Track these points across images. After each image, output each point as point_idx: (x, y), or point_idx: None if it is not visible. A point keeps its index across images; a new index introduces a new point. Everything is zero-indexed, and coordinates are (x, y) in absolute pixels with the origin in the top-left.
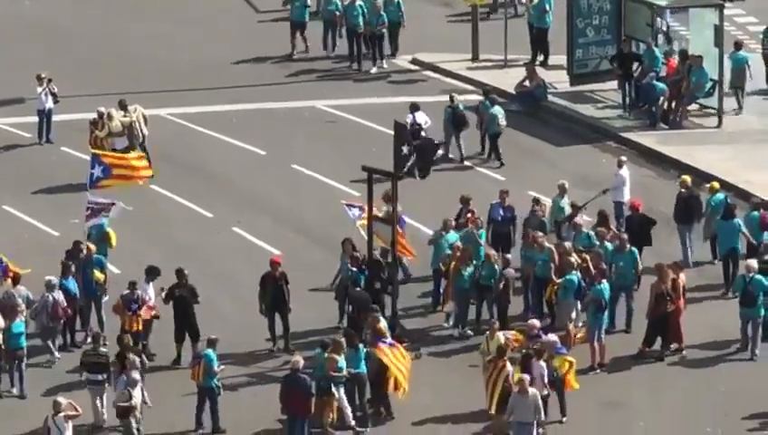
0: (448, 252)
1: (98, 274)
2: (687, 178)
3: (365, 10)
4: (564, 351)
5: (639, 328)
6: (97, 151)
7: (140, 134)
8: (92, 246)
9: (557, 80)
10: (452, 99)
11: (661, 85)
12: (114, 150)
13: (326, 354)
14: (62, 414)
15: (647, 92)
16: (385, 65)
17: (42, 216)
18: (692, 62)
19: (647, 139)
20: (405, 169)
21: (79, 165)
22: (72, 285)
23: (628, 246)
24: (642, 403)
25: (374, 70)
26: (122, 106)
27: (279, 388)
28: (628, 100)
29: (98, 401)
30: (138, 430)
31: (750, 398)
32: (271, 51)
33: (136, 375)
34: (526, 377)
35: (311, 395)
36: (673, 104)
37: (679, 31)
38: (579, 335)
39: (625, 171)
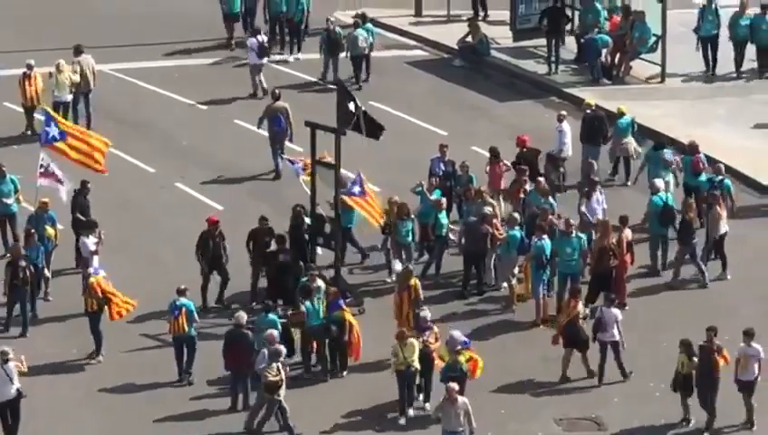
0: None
1: (50, 229)
2: (591, 101)
3: None
4: (468, 344)
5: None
6: (51, 111)
7: (89, 86)
8: (46, 201)
9: (500, 35)
10: (327, 20)
11: (605, 37)
12: (56, 104)
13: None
14: (12, 363)
15: (589, 48)
16: (300, 56)
17: None
18: (635, 17)
19: (589, 94)
20: (351, 126)
21: (21, 120)
22: (36, 253)
23: (575, 231)
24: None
25: (291, 58)
26: (77, 51)
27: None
28: (554, 57)
29: None
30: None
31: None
32: (217, 7)
33: (281, 348)
34: (454, 385)
35: (253, 351)
36: (616, 59)
37: None
38: (518, 292)
39: (566, 126)
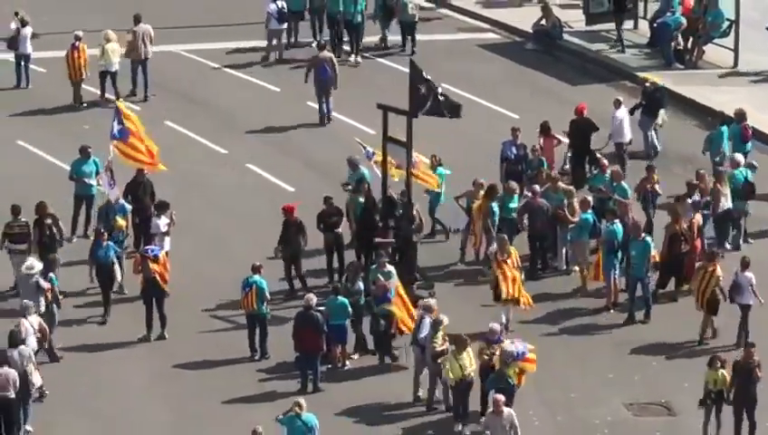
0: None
1: (120, 220)
2: (649, 76)
3: None
4: (521, 356)
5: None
6: (122, 107)
7: (145, 54)
8: (113, 195)
9: (573, 19)
10: None
11: (678, 18)
12: (103, 74)
13: None
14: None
15: (661, 32)
16: (359, 59)
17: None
18: (707, 2)
19: (662, 78)
20: (424, 111)
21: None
22: (105, 252)
23: (643, 233)
24: (656, 343)
25: (353, 58)
26: (137, 20)
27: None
28: (622, 35)
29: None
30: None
31: (764, 338)
32: None
33: (444, 318)
34: (500, 397)
35: (322, 332)
36: (689, 44)
37: None
38: (585, 274)
39: (622, 111)
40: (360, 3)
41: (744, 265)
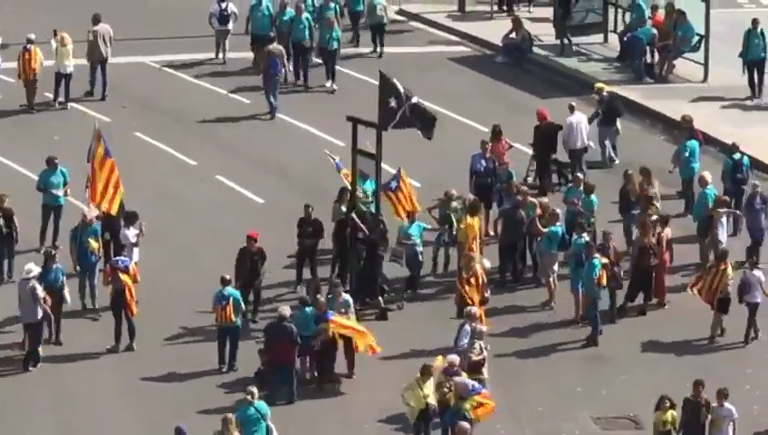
0: None
1: (93, 242)
2: (603, 85)
3: (311, 23)
4: (478, 390)
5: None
6: (97, 128)
7: (105, 55)
8: (90, 214)
9: (543, 32)
10: None
11: (649, 30)
12: (58, 75)
13: None
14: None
15: (632, 46)
16: (334, 86)
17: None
18: (677, 16)
19: (632, 92)
20: (394, 123)
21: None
22: (54, 275)
23: (597, 255)
24: (624, 357)
25: (328, 84)
26: (96, 20)
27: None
28: (567, 41)
29: None
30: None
31: (732, 353)
32: None
33: (483, 327)
34: (467, 425)
35: (295, 343)
36: (658, 58)
37: None
38: (553, 287)
39: (576, 117)
40: (335, 29)
41: (753, 263)
